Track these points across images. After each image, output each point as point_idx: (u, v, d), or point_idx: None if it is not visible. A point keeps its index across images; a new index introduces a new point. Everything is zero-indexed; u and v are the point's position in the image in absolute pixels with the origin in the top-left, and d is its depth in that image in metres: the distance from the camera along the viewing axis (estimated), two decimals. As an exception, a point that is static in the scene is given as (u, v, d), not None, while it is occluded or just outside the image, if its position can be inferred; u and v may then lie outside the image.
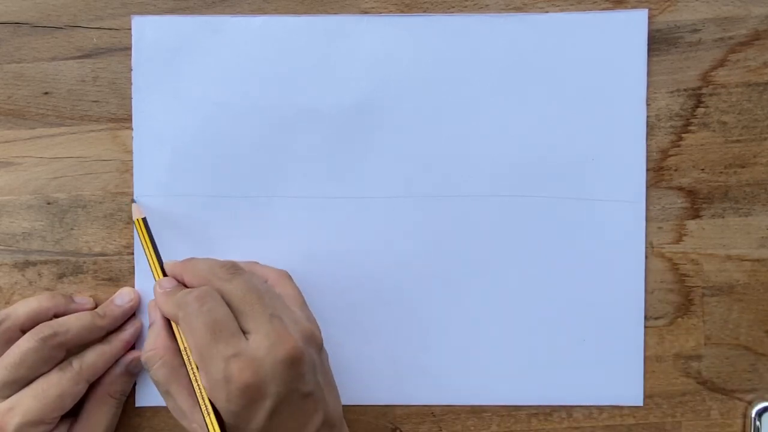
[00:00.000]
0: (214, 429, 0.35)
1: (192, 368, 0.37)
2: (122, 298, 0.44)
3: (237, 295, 0.37)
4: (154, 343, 0.39)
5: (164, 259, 0.42)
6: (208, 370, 0.36)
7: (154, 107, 0.44)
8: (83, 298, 0.44)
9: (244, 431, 0.36)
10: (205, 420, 0.36)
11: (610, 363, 0.44)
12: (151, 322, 0.41)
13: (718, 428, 0.45)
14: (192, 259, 0.41)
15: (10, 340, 0.40)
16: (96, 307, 0.44)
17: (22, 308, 0.41)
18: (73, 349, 0.41)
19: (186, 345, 0.38)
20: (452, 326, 0.44)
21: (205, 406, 0.36)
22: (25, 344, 0.39)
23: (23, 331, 0.40)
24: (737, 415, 0.45)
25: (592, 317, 0.44)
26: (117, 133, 0.45)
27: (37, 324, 0.40)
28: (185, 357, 0.38)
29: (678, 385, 0.45)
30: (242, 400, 0.35)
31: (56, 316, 0.42)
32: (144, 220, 0.42)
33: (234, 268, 0.39)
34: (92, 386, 0.42)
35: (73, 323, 0.41)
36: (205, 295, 0.37)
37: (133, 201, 0.44)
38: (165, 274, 0.41)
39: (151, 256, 0.42)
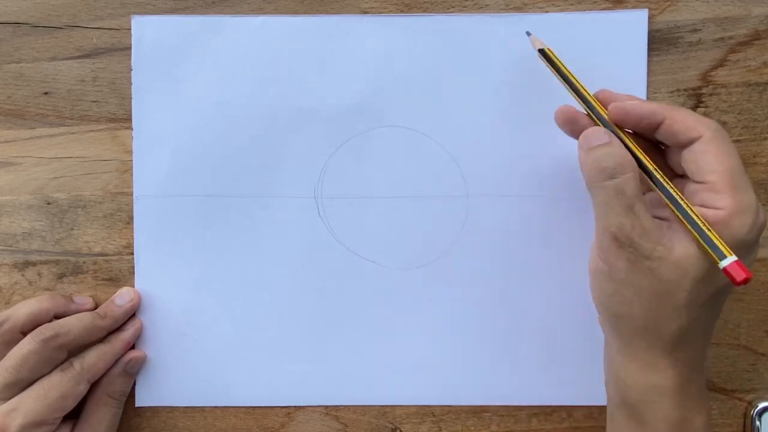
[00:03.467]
0: (723, 246, 0.33)
1: (674, 190, 0.35)
2: (122, 298, 0.44)
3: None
4: (621, 155, 0.35)
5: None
6: (739, 195, 0.33)
7: (154, 107, 0.44)
8: (83, 299, 0.44)
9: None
10: (706, 240, 0.33)
11: (610, 363, 0.44)
12: (597, 144, 0.36)
13: (718, 428, 0.45)
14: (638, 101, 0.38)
15: (11, 342, 0.40)
16: (96, 307, 0.44)
17: (22, 310, 0.41)
18: (74, 349, 0.41)
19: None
20: (452, 325, 0.44)
21: (705, 226, 0.33)
22: (26, 346, 0.39)
23: (23, 333, 0.40)
24: (737, 415, 0.45)
25: (592, 317, 0.44)
26: (117, 133, 0.44)
27: (38, 325, 0.40)
28: (659, 177, 0.35)
29: (678, 385, 0.45)
30: (756, 235, 0.34)
31: (56, 316, 0.42)
32: (544, 50, 0.40)
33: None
34: (92, 387, 0.42)
35: (74, 324, 0.41)
36: (721, 127, 0.35)
37: (528, 33, 0.42)
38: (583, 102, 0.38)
39: (573, 78, 0.39)
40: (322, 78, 0.44)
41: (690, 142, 0.35)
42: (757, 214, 0.34)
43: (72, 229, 0.45)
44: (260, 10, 0.44)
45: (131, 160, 0.44)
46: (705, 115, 0.44)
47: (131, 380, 0.44)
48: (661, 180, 0.35)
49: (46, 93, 0.44)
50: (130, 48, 0.44)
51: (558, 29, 0.43)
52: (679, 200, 0.34)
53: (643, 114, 0.36)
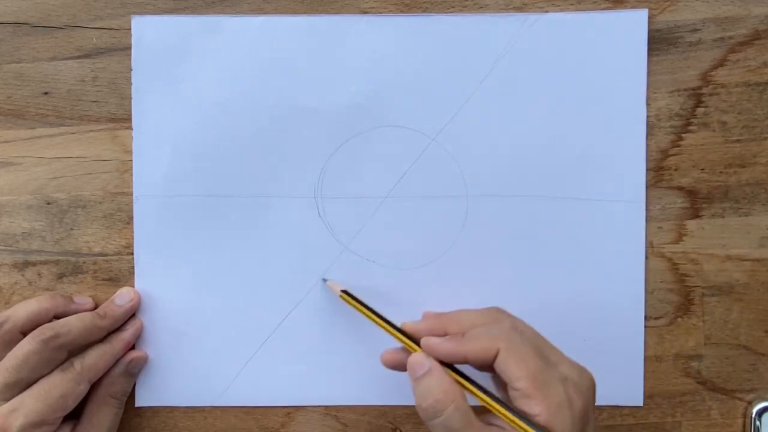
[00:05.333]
0: None
1: (494, 405, 0.36)
2: (122, 298, 0.44)
3: (529, 329, 0.38)
4: (439, 388, 0.36)
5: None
6: (548, 395, 0.34)
7: (154, 107, 0.44)
8: (83, 299, 0.44)
9: None
10: None
11: (610, 363, 0.44)
12: (421, 373, 0.37)
13: (718, 428, 0.45)
14: (442, 313, 0.40)
15: (11, 343, 0.40)
16: (96, 307, 0.44)
17: (22, 310, 0.41)
18: (74, 349, 0.41)
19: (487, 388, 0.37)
20: (452, 326, 0.44)
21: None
22: (26, 346, 0.39)
23: (23, 333, 0.40)
24: (737, 415, 0.45)
25: (592, 317, 0.44)
26: (116, 133, 0.45)
27: (37, 325, 0.40)
28: (481, 396, 0.36)
29: (678, 385, 0.45)
30: (581, 423, 0.35)
31: (56, 316, 0.42)
32: (346, 291, 0.42)
33: (498, 310, 0.39)
34: (93, 387, 0.42)
35: (74, 324, 0.41)
36: (517, 323, 0.37)
37: (324, 280, 0.44)
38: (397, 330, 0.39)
39: (375, 319, 0.40)
40: (322, 78, 0.44)
41: (494, 359, 0.36)
42: (571, 405, 0.34)
43: (72, 229, 0.45)
44: (260, 10, 0.44)
45: (131, 160, 0.44)
46: (705, 114, 0.44)
47: (133, 380, 0.44)
48: (492, 400, 0.36)
49: (46, 93, 0.44)
50: (130, 48, 0.44)
51: (558, 29, 0.44)
52: (518, 416, 0.35)
53: (447, 353, 0.37)
